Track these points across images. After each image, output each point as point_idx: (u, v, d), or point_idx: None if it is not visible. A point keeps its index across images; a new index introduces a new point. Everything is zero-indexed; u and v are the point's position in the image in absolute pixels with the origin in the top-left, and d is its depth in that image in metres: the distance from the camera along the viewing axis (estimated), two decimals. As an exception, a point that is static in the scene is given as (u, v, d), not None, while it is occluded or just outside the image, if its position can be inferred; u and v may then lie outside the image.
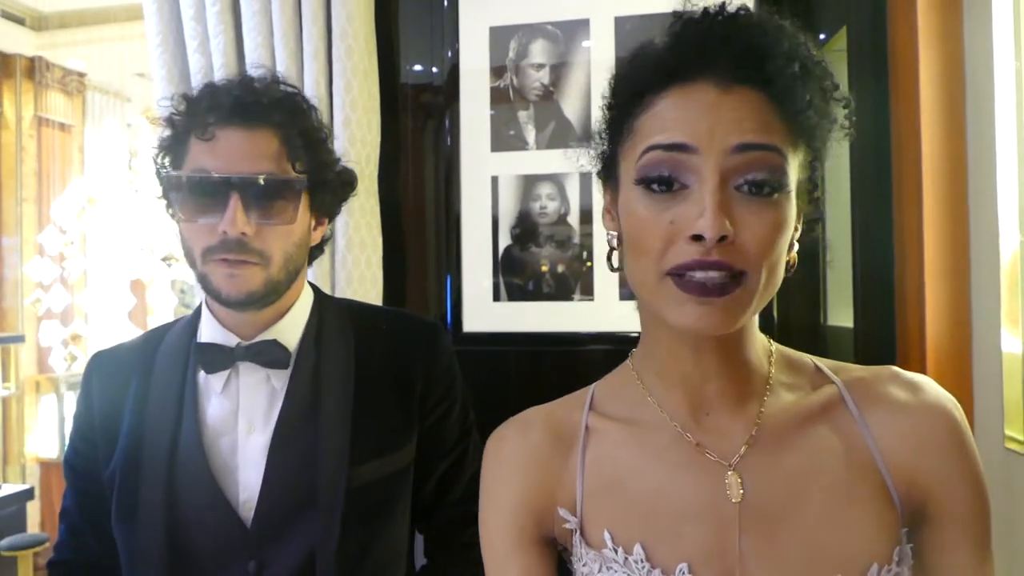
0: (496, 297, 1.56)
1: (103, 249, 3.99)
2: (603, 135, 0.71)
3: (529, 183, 1.55)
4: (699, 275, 0.58)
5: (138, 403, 0.98)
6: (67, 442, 1.07)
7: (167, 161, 0.97)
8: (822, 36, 1.53)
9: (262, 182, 0.90)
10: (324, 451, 0.95)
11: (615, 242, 0.69)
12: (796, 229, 0.64)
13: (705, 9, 0.64)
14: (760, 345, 0.70)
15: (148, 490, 0.94)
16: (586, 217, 1.53)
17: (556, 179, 1.53)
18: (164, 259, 3.64)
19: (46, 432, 5.01)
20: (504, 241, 1.56)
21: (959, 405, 0.67)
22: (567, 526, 0.70)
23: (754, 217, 0.59)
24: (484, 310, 1.55)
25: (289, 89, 1.00)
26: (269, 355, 0.97)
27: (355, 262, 1.49)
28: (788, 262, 0.64)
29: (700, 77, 0.60)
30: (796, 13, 1.47)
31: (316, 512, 0.94)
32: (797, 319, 1.50)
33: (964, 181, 1.29)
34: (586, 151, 0.73)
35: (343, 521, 0.94)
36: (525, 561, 0.71)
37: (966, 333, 1.28)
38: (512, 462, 0.73)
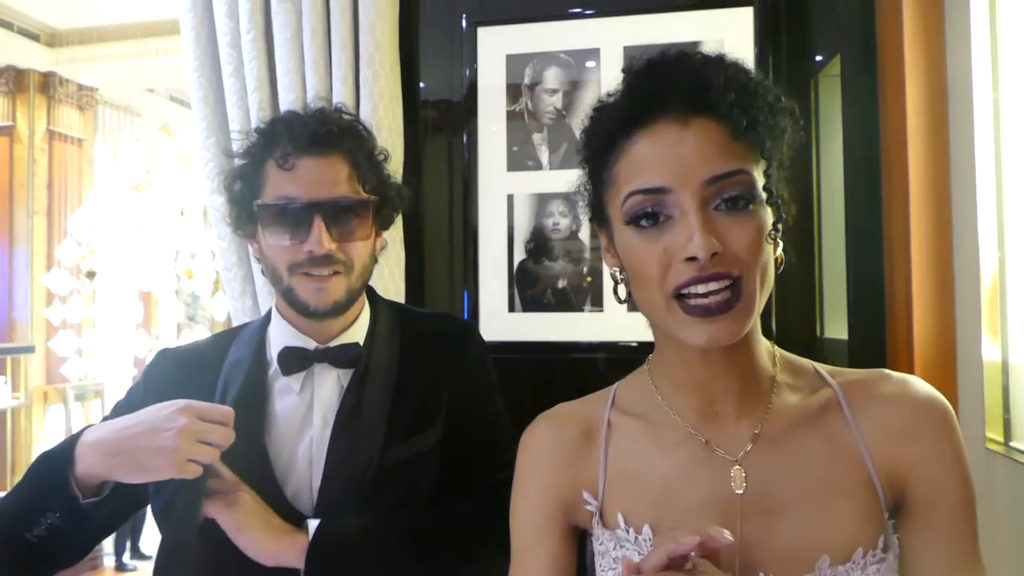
0: (511, 308, 1.65)
1: (114, 262, 4.06)
2: (587, 187, 0.78)
3: (543, 201, 1.65)
4: (701, 290, 0.65)
5: (216, 400, 1.05)
6: None
7: (238, 187, 1.07)
8: (818, 59, 1.63)
9: (341, 204, 1.01)
10: (364, 441, 1.03)
11: (619, 276, 0.76)
12: (771, 233, 0.70)
13: (649, 59, 0.72)
14: (765, 349, 0.77)
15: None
16: (596, 233, 1.62)
17: (568, 197, 1.63)
18: (181, 273, 3.70)
19: (53, 442, 5.03)
20: (519, 255, 1.65)
21: (946, 400, 0.73)
22: (588, 508, 0.77)
23: (737, 227, 0.66)
24: (500, 320, 1.65)
25: (351, 117, 1.11)
26: (347, 356, 1.07)
27: (379, 274, 1.58)
28: (776, 260, 0.71)
29: (660, 117, 0.68)
30: (793, 41, 1.58)
31: (358, 491, 1.02)
32: (795, 332, 1.59)
33: (948, 201, 1.39)
34: (575, 201, 0.81)
35: (373, 497, 1.02)
36: (550, 545, 0.78)
37: (951, 343, 1.37)
38: (544, 455, 0.81)
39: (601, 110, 0.75)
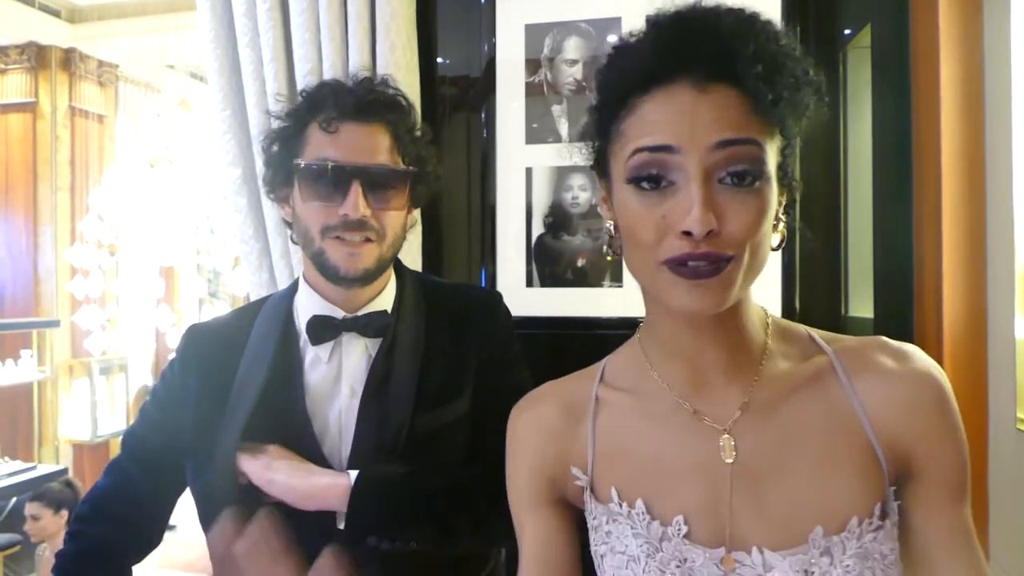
0: (529, 283, 1.63)
1: (136, 237, 4.09)
2: (594, 136, 0.75)
3: (562, 174, 1.62)
4: (691, 266, 0.64)
5: (241, 374, 1.05)
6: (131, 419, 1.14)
7: (277, 148, 1.08)
8: (847, 32, 1.58)
9: (380, 172, 1.02)
10: (395, 409, 1.04)
11: (613, 230, 0.75)
12: (777, 211, 0.68)
13: (677, 13, 0.68)
14: (757, 317, 0.75)
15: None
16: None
17: (588, 171, 1.60)
18: (201, 248, 3.72)
19: (79, 415, 5.14)
20: (537, 230, 1.63)
21: (944, 372, 0.71)
22: (578, 483, 0.77)
23: (739, 206, 0.63)
24: (518, 295, 1.63)
25: (395, 90, 1.11)
26: (376, 325, 1.07)
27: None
28: (779, 238, 0.69)
29: (679, 79, 0.64)
30: (821, 12, 1.53)
31: (387, 458, 1.03)
32: (819, 310, 1.56)
33: (982, 176, 1.34)
34: (579, 149, 0.79)
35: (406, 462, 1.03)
36: (539, 516, 0.79)
37: (982, 321, 1.33)
38: (526, 434, 0.81)
39: (619, 55, 0.71)
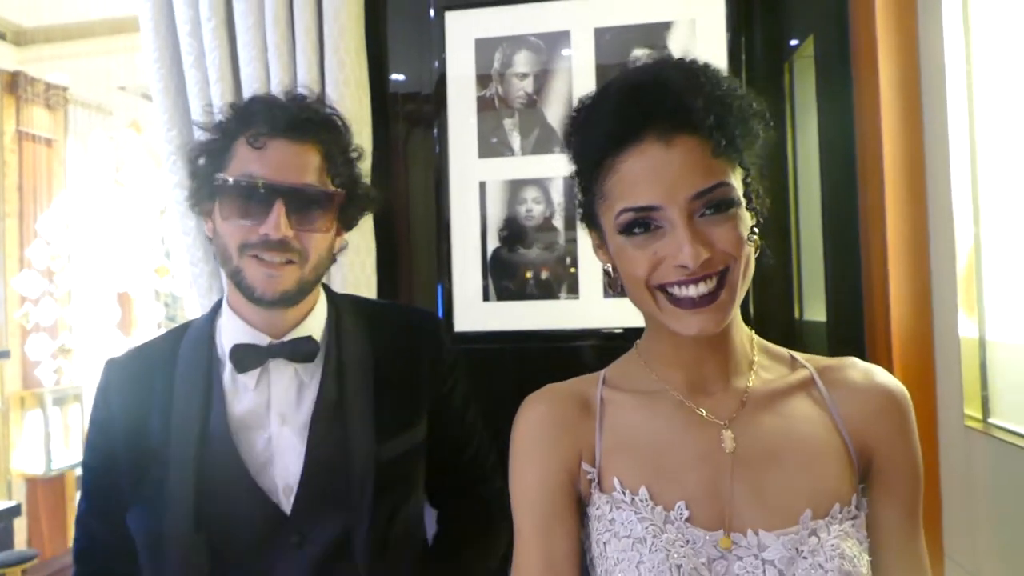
0: (486, 297, 1.62)
1: (89, 263, 4.00)
2: (579, 195, 0.85)
3: (515, 188, 1.62)
4: (692, 292, 0.73)
5: (162, 404, 1.03)
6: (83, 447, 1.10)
7: (203, 161, 1.04)
8: (793, 42, 1.61)
9: (306, 192, 0.99)
10: (354, 434, 1.02)
11: (612, 271, 0.82)
12: (750, 231, 0.78)
13: (632, 77, 0.79)
14: (745, 334, 0.85)
15: (177, 487, 0.98)
16: (570, 220, 1.60)
17: (541, 183, 1.60)
18: (156, 271, 3.65)
19: (32, 448, 4.97)
20: (492, 244, 1.63)
21: (906, 390, 0.82)
22: (588, 476, 0.81)
23: (721, 229, 0.74)
24: (475, 310, 1.62)
25: (331, 110, 1.08)
26: (302, 350, 1.04)
27: (350, 265, 1.55)
28: (754, 251, 0.78)
29: (646, 136, 0.74)
30: (767, 23, 1.57)
31: (350, 489, 1.01)
32: (774, 315, 1.58)
33: (922, 179, 1.38)
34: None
35: (374, 494, 1.01)
36: (568, 516, 0.80)
37: (927, 322, 1.37)
38: (547, 428, 0.83)
39: (587, 123, 0.80)
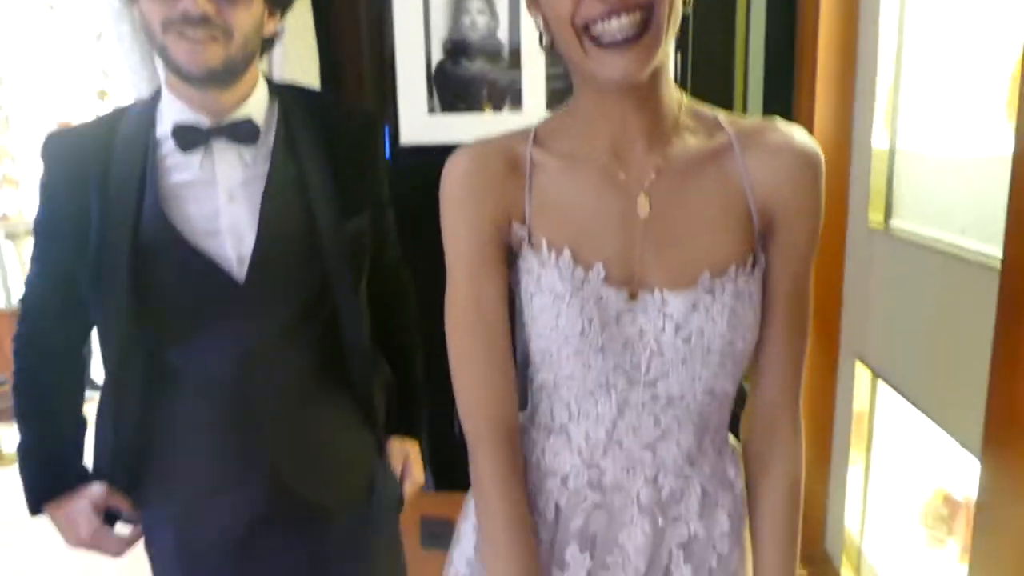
0: (431, 110, 1.64)
1: (26, 90, 3.82)
2: None
3: (459, -2, 1.59)
4: (614, 25, 0.71)
5: (99, 177, 1.05)
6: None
7: None
8: None
9: None
10: (318, 207, 1.08)
11: (543, 27, 0.81)
12: None
13: None
14: (672, 96, 0.84)
15: (111, 255, 1.04)
16: (515, 31, 1.59)
17: (486, -7, 1.58)
18: (98, 93, 3.51)
19: (-16, 284, 4.94)
20: (437, 56, 1.62)
21: (820, 152, 0.83)
22: (519, 234, 0.86)
23: None
24: (420, 122, 1.64)
25: None
26: (242, 131, 1.06)
27: (293, 72, 1.54)
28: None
29: None
30: None
31: (316, 262, 1.08)
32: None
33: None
34: None
35: (315, 261, 1.09)
36: (497, 264, 0.85)
37: (847, 131, 1.44)
38: (477, 180, 0.85)
39: None
